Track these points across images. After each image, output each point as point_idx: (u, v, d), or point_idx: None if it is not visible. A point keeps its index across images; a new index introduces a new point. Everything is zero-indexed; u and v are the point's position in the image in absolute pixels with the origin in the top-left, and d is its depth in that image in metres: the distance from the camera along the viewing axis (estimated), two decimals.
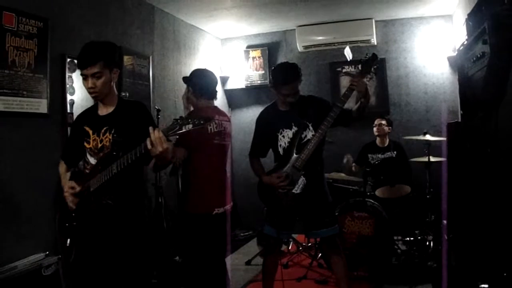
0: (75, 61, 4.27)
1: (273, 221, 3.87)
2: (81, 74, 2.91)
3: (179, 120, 2.54)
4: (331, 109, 3.65)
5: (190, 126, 2.50)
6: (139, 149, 2.63)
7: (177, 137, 2.71)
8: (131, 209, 2.95)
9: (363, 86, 3.63)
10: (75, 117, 3.69)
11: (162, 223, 5.27)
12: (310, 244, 5.99)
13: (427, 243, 5.16)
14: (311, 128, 3.77)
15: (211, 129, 3.60)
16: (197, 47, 7.30)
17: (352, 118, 3.84)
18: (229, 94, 8.19)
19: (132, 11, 5.57)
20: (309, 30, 7.44)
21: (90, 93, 2.95)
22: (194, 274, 3.64)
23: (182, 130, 2.53)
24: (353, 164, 6.04)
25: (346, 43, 7.00)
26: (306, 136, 3.78)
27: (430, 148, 5.20)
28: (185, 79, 3.86)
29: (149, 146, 2.57)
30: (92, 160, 2.98)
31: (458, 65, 3.66)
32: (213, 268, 3.65)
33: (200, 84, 3.76)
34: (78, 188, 2.93)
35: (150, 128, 2.59)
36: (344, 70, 7.41)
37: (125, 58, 5.34)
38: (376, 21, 7.17)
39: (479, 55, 2.87)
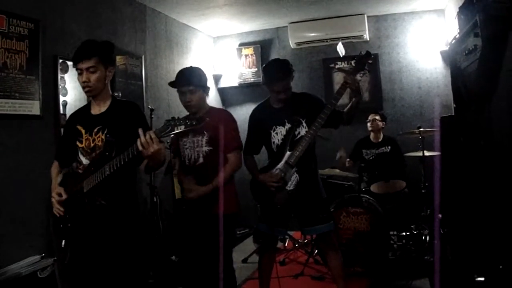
0: (67, 62, 4.29)
1: (267, 219, 3.86)
2: (77, 69, 2.92)
3: (171, 121, 2.54)
4: (324, 106, 3.66)
5: (182, 127, 2.51)
6: (131, 150, 2.63)
7: (172, 135, 2.69)
8: (125, 210, 2.95)
9: (354, 84, 3.64)
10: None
11: (157, 222, 5.26)
12: (306, 240, 6.00)
13: (423, 237, 5.16)
14: (304, 124, 3.77)
15: None
16: (190, 45, 7.28)
17: (342, 122, 3.86)
18: (222, 92, 8.17)
19: (124, 10, 5.56)
20: (301, 26, 7.44)
21: (83, 87, 2.95)
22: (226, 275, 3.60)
23: (174, 131, 2.53)
24: (347, 160, 6.03)
25: (338, 39, 6.99)
26: (299, 132, 3.77)
27: (425, 142, 5.21)
28: (200, 81, 3.71)
29: (140, 148, 2.57)
30: (84, 160, 2.97)
31: (451, 59, 3.66)
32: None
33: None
34: (65, 196, 2.92)
35: (140, 131, 2.58)
36: (337, 66, 7.40)
37: (118, 58, 5.31)
38: (368, 17, 7.17)
39: (471, 48, 2.87)
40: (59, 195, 2.93)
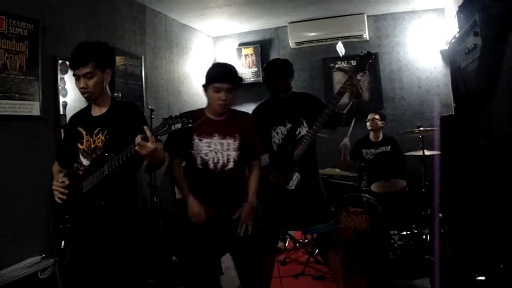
0: (67, 62, 4.28)
1: (268, 218, 3.86)
2: (73, 75, 2.91)
3: (168, 120, 2.54)
4: (325, 106, 3.67)
5: (179, 125, 2.49)
6: (129, 150, 2.62)
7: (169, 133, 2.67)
8: (124, 210, 2.94)
9: (354, 87, 3.64)
10: (68, 118, 3.67)
11: (157, 223, 5.26)
12: (307, 240, 6.00)
13: (424, 236, 5.16)
14: (305, 124, 3.78)
15: None
16: (189, 46, 7.28)
17: (341, 123, 3.87)
18: None
19: (123, 11, 5.55)
20: (301, 26, 7.44)
21: (82, 93, 2.94)
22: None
23: (171, 129, 2.52)
24: (348, 158, 6.02)
25: (338, 38, 6.96)
26: (300, 132, 3.78)
27: (425, 141, 5.21)
28: (241, 81, 3.42)
29: (137, 149, 2.56)
30: (85, 161, 2.97)
31: (450, 58, 3.67)
32: None
33: None
34: (67, 182, 2.91)
35: (136, 138, 2.57)
36: (337, 66, 7.40)
37: (117, 58, 5.32)
38: (368, 16, 7.17)
39: (470, 47, 2.87)
40: (62, 182, 2.94)
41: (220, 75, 3.25)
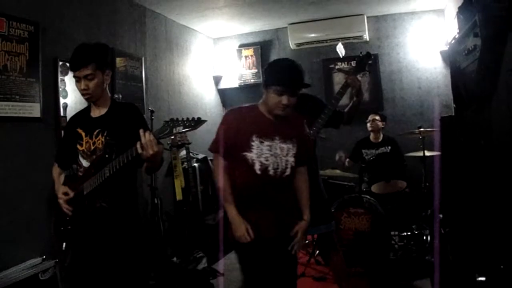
0: (68, 64, 4.27)
1: None
2: (74, 76, 2.91)
3: (169, 123, 2.53)
4: (325, 107, 3.67)
5: (181, 128, 2.49)
6: (130, 152, 2.63)
7: (173, 137, 2.67)
8: (125, 211, 2.95)
9: (356, 84, 3.65)
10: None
11: (158, 224, 5.26)
12: (307, 241, 5.99)
13: (424, 237, 5.16)
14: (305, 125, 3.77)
15: None
16: (189, 47, 7.29)
17: (343, 122, 3.87)
18: (222, 93, 8.18)
19: (124, 12, 5.56)
20: (301, 27, 7.44)
21: (83, 94, 2.95)
22: None
23: (172, 132, 2.52)
24: (347, 160, 6.02)
25: (338, 39, 6.96)
26: None
27: (425, 142, 5.21)
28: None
29: (139, 150, 2.57)
30: (85, 163, 2.97)
31: (450, 59, 3.67)
32: None
33: None
34: (71, 194, 2.92)
35: (141, 131, 2.58)
36: (337, 67, 7.41)
37: (118, 59, 5.32)
38: (368, 17, 7.17)
39: (470, 48, 2.87)
40: (66, 194, 2.94)
41: (284, 77, 2.84)
